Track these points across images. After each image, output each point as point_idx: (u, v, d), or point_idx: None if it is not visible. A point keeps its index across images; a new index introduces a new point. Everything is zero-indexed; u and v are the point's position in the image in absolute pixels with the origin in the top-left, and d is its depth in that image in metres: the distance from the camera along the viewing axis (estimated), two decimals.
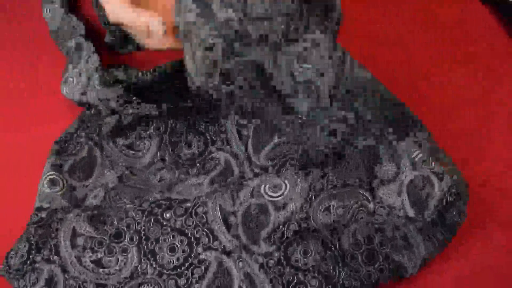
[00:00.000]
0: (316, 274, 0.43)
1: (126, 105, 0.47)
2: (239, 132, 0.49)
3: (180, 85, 0.49)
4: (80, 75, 0.49)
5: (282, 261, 0.43)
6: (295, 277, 0.43)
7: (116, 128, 0.49)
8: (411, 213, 0.44)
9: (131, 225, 0.44)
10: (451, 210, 0.45)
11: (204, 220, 0.43)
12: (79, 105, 0.49)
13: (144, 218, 0.44)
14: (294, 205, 0.43)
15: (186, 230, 0.44)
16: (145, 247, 0.43)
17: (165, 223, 0.44)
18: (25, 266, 0.42)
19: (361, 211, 0.44)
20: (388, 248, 0.44)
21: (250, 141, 0.49)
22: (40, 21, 0.56)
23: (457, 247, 0.46)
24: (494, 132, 0.53)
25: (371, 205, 0.44)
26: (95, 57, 0.49)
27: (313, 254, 0.43)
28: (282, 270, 0.43)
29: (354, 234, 0.44)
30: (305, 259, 0.43)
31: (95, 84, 0.47)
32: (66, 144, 0.48)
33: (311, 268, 0.43)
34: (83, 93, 0.48)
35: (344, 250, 0.44)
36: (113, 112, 0.48)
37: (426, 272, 0.46)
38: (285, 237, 0.43)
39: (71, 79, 0.49)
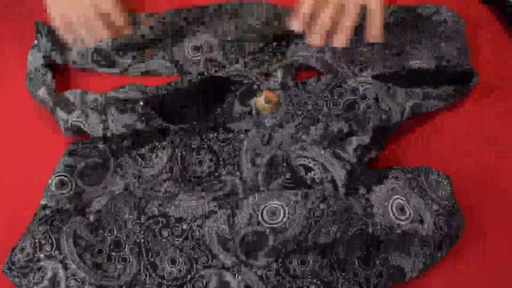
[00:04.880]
0: (315, 280, 0.43)
1: (150, 122, 0.48)
2: (253, 161, 0.48)
3: (199, 101, 0.50)
4: (87, 114, 0.49)
5: (280, 272, 0.43)
6: (294, 284, 0.43)
7: (135, 141, 0.49)
8: (410, 231, 0.44)
9: (130, 237, 0.44)
10: (450, 223, 0.45)
11: (202, 242, 0.43)
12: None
13: (142, 232, 0.44)
14: (292, 231, 0.42)
15: (185, 249, 0.44)
16: (146, 258, 0.44)
17: (164, 240, 0.44)
18: (30, 264, 0.43)
19: (360, 232, 0.44)
20: (385, 253, 0.44)
21: (261, 171, 0.48)
22: None
23: (456, 249, 0.46)
24: (493, 131, 0.53)
25: (370, 229, 0.44)
26: (100, 98, 0.49)
27: (311, 263, 0.43)
28: (281, 280, 0.43)
29: (350, 242, 0.44)
30: (302, 268, 0.43)
31: (114, 117, 0.48)
32: (83, 146, 0.49)
33: (309, 276, 0.43)
34: (105, 128, 0.48)
35: (341, 257, 0.44)
36: (138, 133, 0.49)
37: (425, 275, 0.46)
38: (283, 253, 0.43)
39: (79, 123, 0.49)
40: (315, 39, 0.53)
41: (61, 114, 0.49)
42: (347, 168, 0.46)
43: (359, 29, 0.55)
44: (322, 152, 0.46)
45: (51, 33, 0.55)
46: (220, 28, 0.57)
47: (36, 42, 0.55)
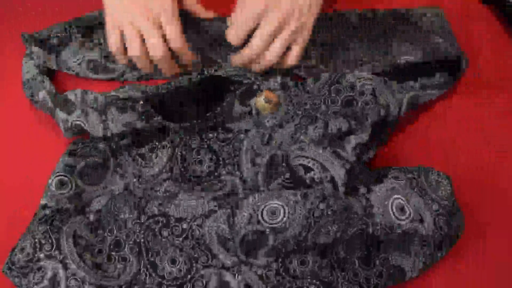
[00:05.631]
0: (314, 281, 0.43)
1: (151, 121, 0.48)
2: (252, 161, 0.49)
3: (199, 100, 0.50)
4: (87, 113, 0.48)
5: (280, 272, 0.43)
6: (294, 284, 0.43)
7: (135, 140, 0.49)
8: (411, 230, 0.44)
9: (130, 236, 0.44)
10: (450, 223, 0.45)
11: (202, 241, 0.43)
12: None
13: (142, 231, 0.44)
14: (292, 231, 0.42)
15: (185, 249, 0.44)
16: (146, 258, 0.44)
17: (164, 239, 0.44)
18: (30, 264, 0.43)
19: (360, 232, 0.44)
20: (385, 252, 0.44)
21: (261, 171, 0.48)
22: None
23: (456, 249, 0.46)
24: (493, 131, 0.53)
25: (370, 229, 0.44)
26: (100, 98, 0.48)
27: (311, 263, 0.43)
28: (281, 280, 0.43)
29: (350, 242, 0.44)
30: (302, 268, 0.43)
31: (114, 116, 0.48)
32: (83, 146, 0.49)
33: (309, 276, 0.43)
34: (105, 128, 0.48)
35: (341, 257, 0.44)
36: (138, 131, 0.49)
37: (425, 275, 0.46)
38: (283, 253, 0.43)
39: (79, 123, 0.49)
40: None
41: (61, 114, 0.49)
42: (347, 167, 0.46)
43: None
44: (321, 151, 0.46)
45: (41, 41, 0.55)
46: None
47: (27, 51, 0.55)
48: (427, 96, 0.52)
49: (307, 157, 0.47)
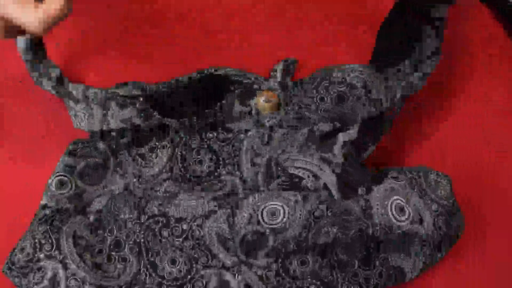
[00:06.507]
0: (314, 281, 0.43)
1: (149, 119, 0.48)
2: (252, 161, 0.48)
3: (198, 98, 0.50)
4: (91, 107, 0.48)
5: (280, 272, 0.43)
6: (294, 285, 0.43)
7: (134, 138, 0.49)
8: (410, 231, 0.44)
9: (130, 236, 0.44)
10: (449, 223, 0.45)
11: (202, 242, 0.43)
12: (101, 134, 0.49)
13: (142, 232, 0.44)
14: (292, 231, 0.42)
15: (185, 249, 0.44)
16: (146, 258, 0.44)
17: (164, 240, 0.44)
18: (30, 264, 0.43)
19: (359, 234, 0.44)
20: (384, 253, 0.44)
21: (261, 171, 0.48)
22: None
23: (456, 249, 0.46)
24: (492, 132, 0.53)
25: (370, 230, 0.44)
26: (101, 92, 0.48)
27: (311, 263, 0.43)
28: (281, 280, 0.43)
29: (350, 245, 0.44)
30: (302, 269, 0.43)
31: (114, 112, 0.48)
32: (82, 146, 0.48)
33: (309, 276, 0.43)
34: (104, 122, 0.48)
35: (341, 257, 0.44)
36: (137, 128, 0.48)
37: (425, 275, 0.46)
38: (282, 253, 0.43)
39: (81, 114, 0.49)
40: None
41: (67, 102, 0.49)
42: (337, 172, 0.46)
43: None
44: (309, 159, 0.46)
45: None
46: None
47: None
48: (421, 81, 0.50)
49: (297, 167, 0.46)
